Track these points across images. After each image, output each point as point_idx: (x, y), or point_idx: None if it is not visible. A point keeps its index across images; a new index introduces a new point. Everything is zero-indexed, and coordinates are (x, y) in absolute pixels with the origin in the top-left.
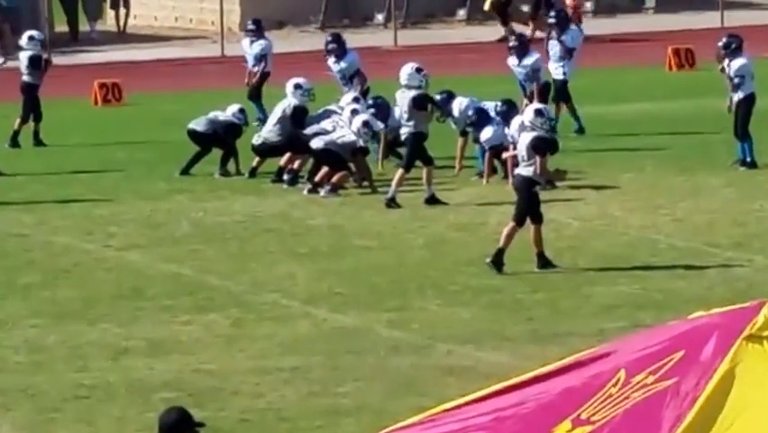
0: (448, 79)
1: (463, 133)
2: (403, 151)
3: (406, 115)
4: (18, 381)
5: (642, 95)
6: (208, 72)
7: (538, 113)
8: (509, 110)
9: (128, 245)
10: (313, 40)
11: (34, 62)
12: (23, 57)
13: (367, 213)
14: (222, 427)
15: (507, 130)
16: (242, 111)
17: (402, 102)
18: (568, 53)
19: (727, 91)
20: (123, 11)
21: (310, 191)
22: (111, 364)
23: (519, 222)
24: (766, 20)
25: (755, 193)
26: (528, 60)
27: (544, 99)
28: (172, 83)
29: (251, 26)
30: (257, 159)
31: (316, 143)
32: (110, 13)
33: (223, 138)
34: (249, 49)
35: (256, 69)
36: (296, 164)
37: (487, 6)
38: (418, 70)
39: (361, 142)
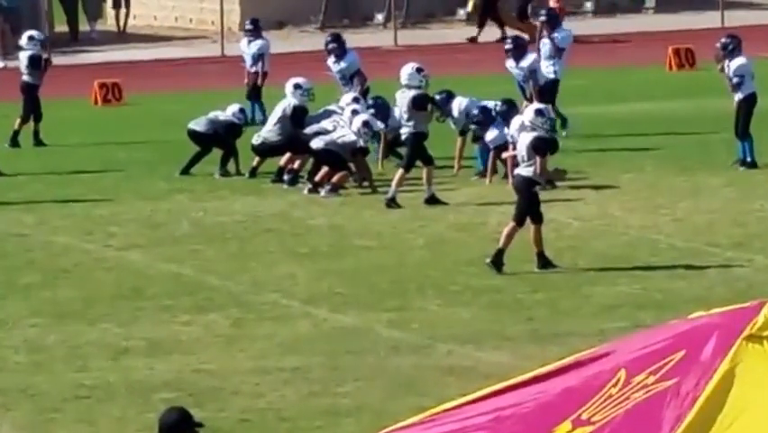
0: (448, 79)
1: (462, 133)
2: (403, 151)
3: (406, 115)
4: (18, 381)
5: (642, 95)
6: (208, 72)
7: (539, 113)
8: (509, 110)
9: (128, 245)
10: (313, 40)
11: (34, 62)
12: (23, 57)
13: (367, 213)
14: (222, 427)
15: (506, 130)
16: (242, 111)
17: (402, 102)
18: (558, 52)
19: (729, 91)
20: (123, 10)
21: (310, 191)
22: (111, 364)
23: (519, 222)
24: (766, 20)
25: (756, 193)
26: (525, 62)
27: (543, 99)
28: (172, 83)
29: (248, 26)
30: (257, 159)
31: (316, 143)
32: (110, 13)
33: (223, 138)
34: (246, 49)
35: (254, 69)
36: (296, 164)
37: (470, 7)
38: (419, 70)
39: (361, 143)
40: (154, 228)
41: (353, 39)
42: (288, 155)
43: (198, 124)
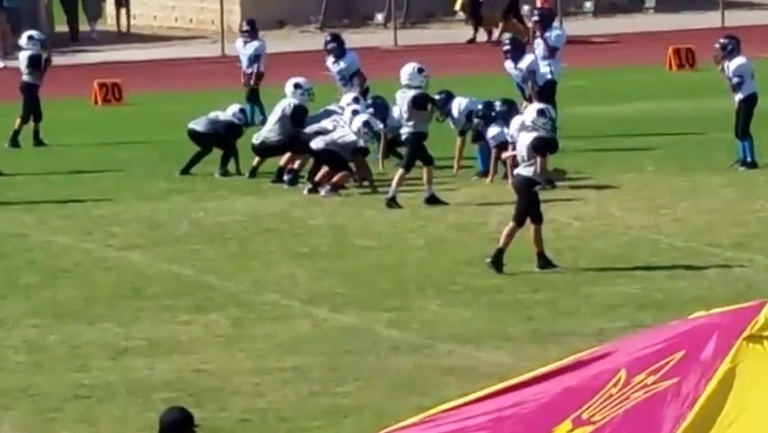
0: (448, 79)
1: (462, 133)
2: (403, 151)
3: (406, 115)
4: (18, 381)
5: (642, 95)
6: (208, 72)
7: (541, 113)
8: (509, 110)
9: (128, 245)
10: (313, 40)
11: (34, 62)
12: (23, 57)
13: (367, 213)
14: (222, 427)
15: (506, 130)
16: (242, 111)
17: (402, 102)
18: (551, 52)
19: (729, 92)
20: (124, 11)
21: (310, 191)
22: (111, 364)
23: (519, 222)
24: (766, 20)
25: (756, 193)
26: (523, 63)
27: (543, 99)
28: (172, 83)
29: (245, 27)
30: (257, 159)
31: (317, 144)
32: (110, 13)
33: (223, 138)
34: (243, 49)
35: (250, 70)
36: (296, 164)
37: (457, 6)
38: (420, 71)
39: (361, 143)
40: (154, 228)
41: (353, 39)
42: (288, 155)
43: (198, 124)
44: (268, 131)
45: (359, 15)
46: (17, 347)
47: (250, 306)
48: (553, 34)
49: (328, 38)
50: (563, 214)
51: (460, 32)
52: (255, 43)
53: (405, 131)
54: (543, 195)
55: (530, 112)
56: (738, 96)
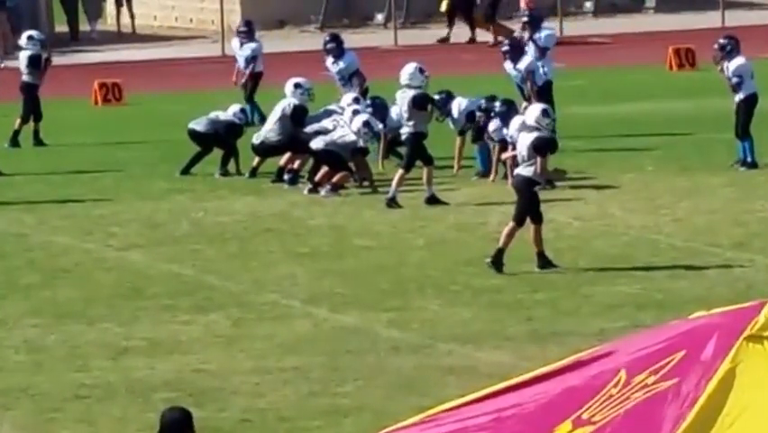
0: (448, 79)
1: (462, 133)
2: (403, 150)
3: (406, 115)
4: (18, 380)
5: (642, 95)
6: (208, 72)
7: (545, 113)
8: (509, 110)
9: (128, 245)
10: (313, 40)
11: (34, 62)
12: (23, 57)
13: (367, 213)
14: (222, 427)
15: (505, 130)
16: (242, 111)
17: (402, 102)
18: (542, 53)
19: (729, 91)
20: (125, 11)
21: (310, 191)
22: (111, 364)
23: (519, 222)
24: (766, 20)
25: (756, 193)
26: (522, 63)
27: (542, 100)
28: (172, 83)
29: (242, 28)
30: (257, 159)
31: (316, 144)
32: (110, 13)
33: (223, 138)
34: (239, 50)
35: (247, 71)
36: (296, 164)
37: (444, 7)
38: (421, 71)
39: (361, 143)
40: (154, 228)
41: (353, 39)
42: (288, 155)
43: (199, 124)
44: (268, 131)
45: (359, 15)
46: (17, 347)
47: (250, 306)
48: (542, 35)
49: (327, 38)
50: (563, 214)
51: (460, 31)
52: (252, 44)
53: (405, 131)
54: (543, 195)
55: (533, 112)
56: (739, 97)
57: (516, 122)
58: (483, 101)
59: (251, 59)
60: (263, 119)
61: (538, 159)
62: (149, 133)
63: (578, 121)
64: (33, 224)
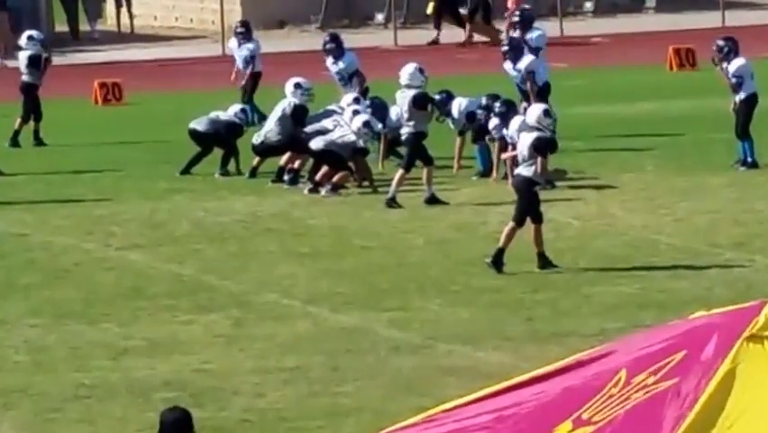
0: (448, 79)
1: (461, 133)
2: (403, 151)
3: (406, 115)
4: (18, 380)
5: (642, 95)
6: (208, 72)
7: (546, 113)
8: (508, 110)
9: (128, 245)
10: (313, 40)
11: (34, 62)
12: (23, 56)
13: (367, 213)
14: (222, 427)
15: (505, 130)
16: (243, 111)
17: (402, 102)
18: (534, 53)
19: (729, 92)
20: (125, 10)
21: (311, 191)
22: (111, 364)
23: (519, 222)
24: (766, 20)
25: (756, 193)
26: (522, 64)
27: (542, 100)
28: (172, 83)
29: (239, 29)
30: (257, 159)
31: (316, 144)
32: (111, 13)
33: (224, 138)
34: (237, 50)
35: (247, 71)
36: (296, 164)
37: (430, 10)
38: (420, 71)
39: (360, 143)
40: (154, 228)
41: (353, 39)
42: (288, 155)
43: (200, 124)
44: (268, 131)
45: (359, 15)
46: (17, 347)
47: (250, 306)
48: (533, 35)
49: (327, 38)
50: (563, 214)
51: (459, 31)
52: (249, 45)
53: (405, 131)
54: (543, 195)
55: (534, 112)
56: (739, 97)
57: (516, 122)
58: (484, 99)
59: (250, 60)
60: (262, 119)
61: (538, 159)
62: (149, 133)
63: (578, 121)
64: (33, 224)
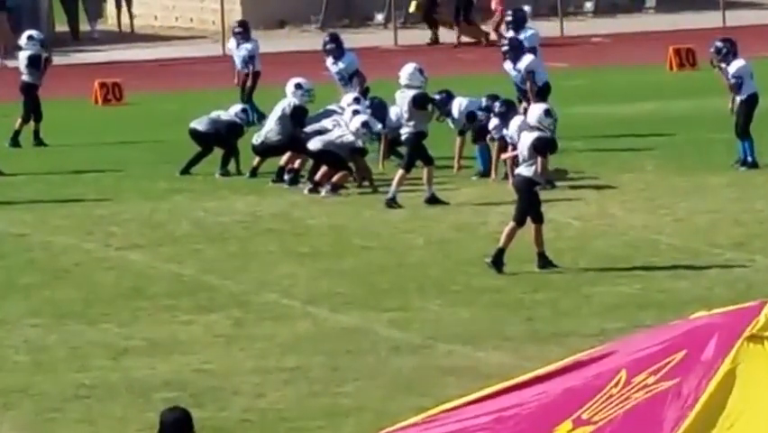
0: (448, 79)
1: (461, 133)
2: (403, 150)
3: (406, 115)
4: (18, 380)
5: (642, 95)
6: (208, 72)
7: (547, 113)
8: (508, 110)
9: (128, 245)
10: (313, 40)
11: (34, 62)
12: (23, 57)
13: (367, 213)
14: (222, 427)
15: (505, 130)
16: (244, 111)
17: (402, 102)
18: (529, 52)
19: (728, 92)
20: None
21: (310, 191)
22: (111, 364)
23: (520, 222)
24: (766, 20)
25: (756, 193)
26: (522, 64)
27: (541, 100)
28: (172, 83)
29: (237, 29)
30: (257, 159)
31: (315, 144)
32: (111, 13)
33: (224, 138)
34: (236, 51)
35: (246, 71)
36: (296, 164)
37: (412, 8)
38: (420, 71)
39: (359, 143)
40: (154, 228)
41: (353, 39)
42: (288, 155)
43: (200, 124)
44: (268, 131)
45: (359, 15)
46: (17, 347)
47: (250, 306)
48: (526, 35)
49: (327, 38)
50: (563, 214)
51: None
52: (248, 45)
53: (405, 131)
54: (543, 195)
55: (534, 112)
56: (740, 97)
57: (516, 122)
58: (484, 100)
59: (249, 60)
60: (261, 119)
61: (539, 159)
62: (149, 133)
63: (578, 121)
64: (33, 224)
